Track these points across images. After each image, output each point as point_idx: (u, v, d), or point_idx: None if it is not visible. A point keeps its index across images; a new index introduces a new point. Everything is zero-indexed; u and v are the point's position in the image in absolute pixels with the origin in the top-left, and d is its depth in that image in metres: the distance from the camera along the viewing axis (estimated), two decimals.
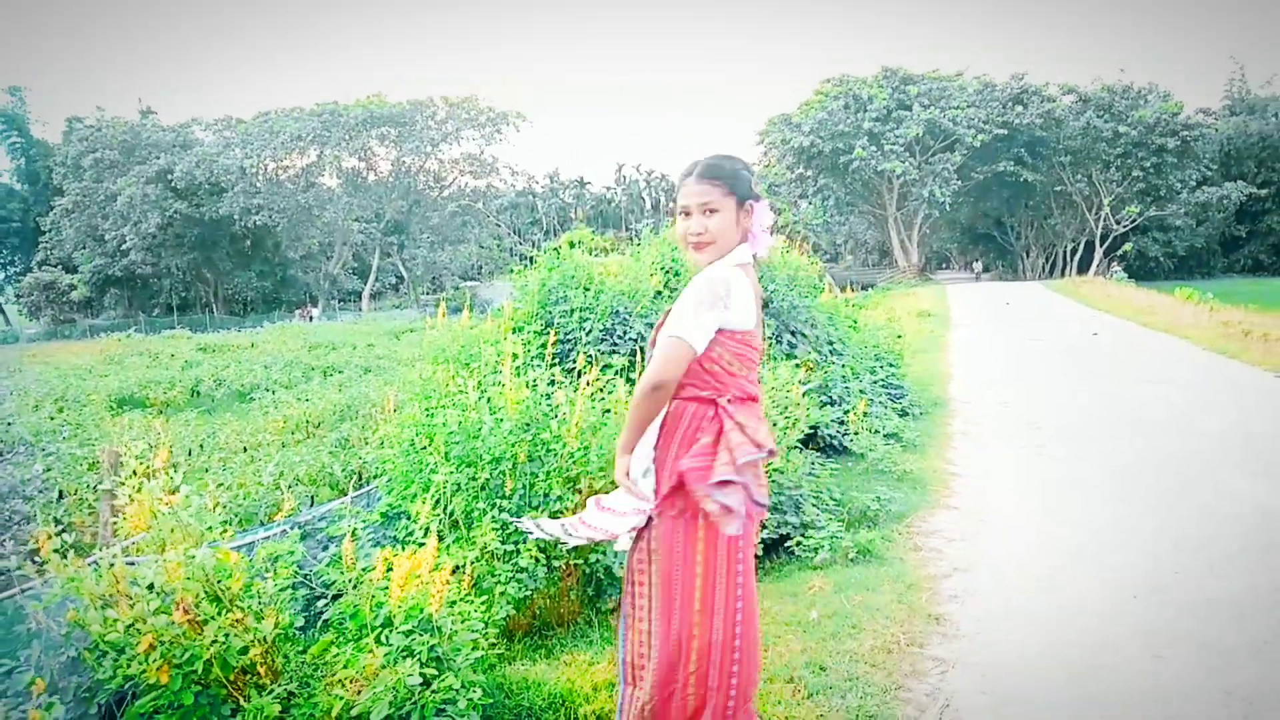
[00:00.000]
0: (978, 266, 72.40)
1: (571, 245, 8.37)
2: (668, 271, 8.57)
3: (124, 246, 53.25)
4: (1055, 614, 4.10)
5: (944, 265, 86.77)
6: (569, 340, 6.79)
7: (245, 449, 8.89)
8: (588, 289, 7.08)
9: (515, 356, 4.55)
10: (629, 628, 2.51)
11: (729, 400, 2.37)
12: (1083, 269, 56.48)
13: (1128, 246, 56.53)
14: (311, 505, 6.26)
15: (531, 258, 7.99)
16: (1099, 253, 56.55)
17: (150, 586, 2.76)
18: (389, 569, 2.89)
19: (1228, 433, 7.90)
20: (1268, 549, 4.80)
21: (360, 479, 6.97)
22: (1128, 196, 54.73)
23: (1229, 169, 59.47)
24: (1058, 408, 9.69)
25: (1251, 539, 4.98)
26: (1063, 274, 56.47)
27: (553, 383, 4.46)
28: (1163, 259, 59.14)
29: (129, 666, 2.68)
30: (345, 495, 5.53)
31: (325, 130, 52.49)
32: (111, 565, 2.76)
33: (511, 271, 8.14)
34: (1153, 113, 52.18)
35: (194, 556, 2.76)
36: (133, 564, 2.94)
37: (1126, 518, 5.56)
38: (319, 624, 3.73)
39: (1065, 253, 60.95)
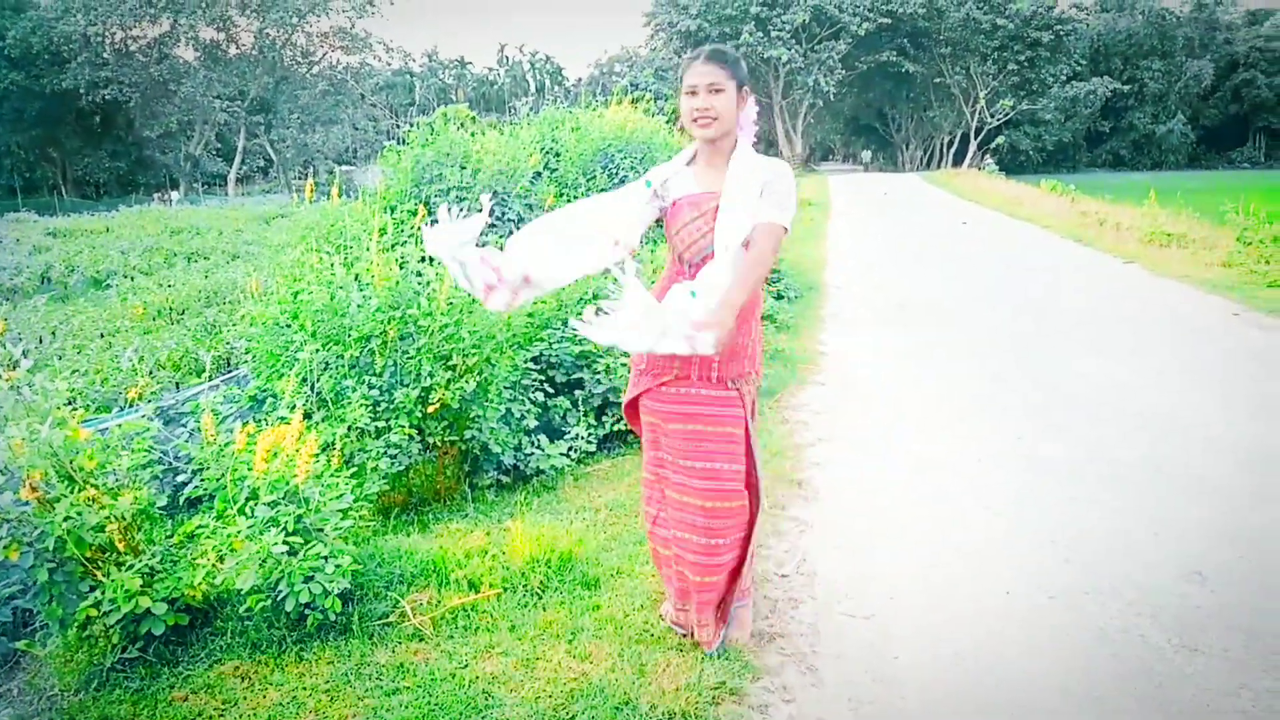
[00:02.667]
0: (866, 156, 73.63)
1: (446, 119, 8.08)
2: (547, 152, 8.39)
3: None
4: (908, 475, 4.39)
5: (827, 156, 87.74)
6: None
7: (102, 335, 8.41)
8: (464, 167, 6.89)
9: (383, 232, 4.42)
10: None
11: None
12: (958, 162, 58.09)
13: (1000, 140, 58.46)
14: (177, 391, 6.03)
15: (404, 139, 7.67)
16: (973, 146, 58.24)
17: None
18: (252, 442, 2.84)
19: (1076, 312, 8.45)
20: (1102, 418, 5.24)
21: (228, 364, 6.74)
22: (1002, 90, 56.19)
23: (1097, 65, 61.69)
24: (926, 292, 10.12)
25: (1092, 410, 5.41)
26: (939, 166, 58.02)
27: (424, 259, 4.37)
28: (1032, 153, 61.46)
29: None
30: (212, 381, 5.36)
31: None
32: None
33: (384, 151, 7.80)
34: (1029, 5, 53.25)
35: (39, 433, 2.64)
36: None
37: (981, 391, 5.94)
38: (184, 505, 3.66)
39: (942, 145, 62.48)
